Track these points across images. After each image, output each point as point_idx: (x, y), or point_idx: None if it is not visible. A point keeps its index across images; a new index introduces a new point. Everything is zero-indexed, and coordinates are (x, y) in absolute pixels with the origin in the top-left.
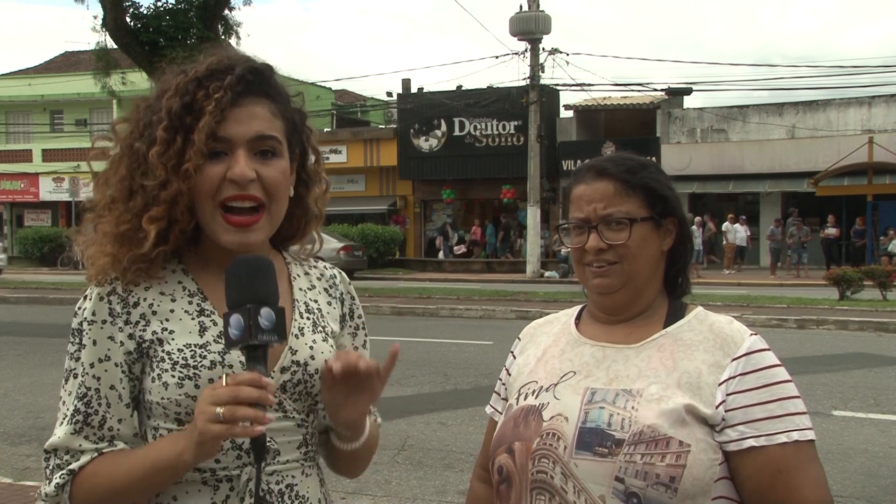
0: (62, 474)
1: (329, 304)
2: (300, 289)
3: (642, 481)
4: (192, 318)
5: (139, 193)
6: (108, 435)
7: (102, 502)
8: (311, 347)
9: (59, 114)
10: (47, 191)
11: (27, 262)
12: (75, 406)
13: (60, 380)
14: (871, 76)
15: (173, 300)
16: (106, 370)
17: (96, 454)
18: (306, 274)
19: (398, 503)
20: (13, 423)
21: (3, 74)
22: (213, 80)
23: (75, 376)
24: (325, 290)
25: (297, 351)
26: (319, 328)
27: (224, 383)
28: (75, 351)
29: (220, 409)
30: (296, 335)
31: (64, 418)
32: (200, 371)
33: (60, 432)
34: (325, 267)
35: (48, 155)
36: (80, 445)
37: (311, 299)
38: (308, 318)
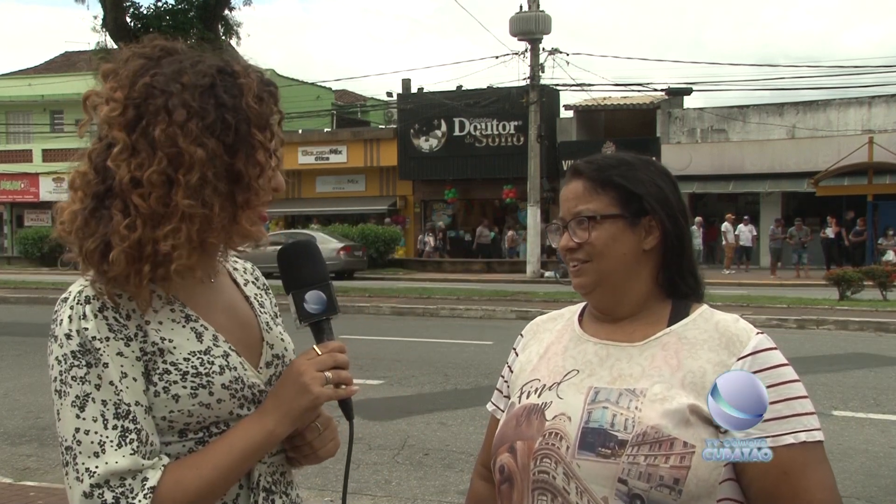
0: (145, 493)
1: (263, 294)
2: (244, 283)
3: (646, 483)
4: (183, 326)
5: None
6: (155, 451)
7: None
8: (282, 339)
9: (59, 114)
10: (47, 191)
11: (27, 262)
12: (122, 426)
13: None
14: (871, 76)
15: (155, 311)
16: (128, 386)
17: (163, 468)
18: (235, 270)
19: (398, 503)
20: (13, 423)
21: (3, 74)
22: (270, 93)
23: (94, 400)
24: (254, 282)
25: (273, 345)
26: (276, 320)
27: (318, 352)
28: (85, 374)
29: (328, 374)
30: (267, 330)
31: (107, 443)
32: (213, 378)
33: (117, 457)
34: (238, 260)
35: (48, 155)
36: (143, 465)
37: (255, 294)
38: (264, 312)
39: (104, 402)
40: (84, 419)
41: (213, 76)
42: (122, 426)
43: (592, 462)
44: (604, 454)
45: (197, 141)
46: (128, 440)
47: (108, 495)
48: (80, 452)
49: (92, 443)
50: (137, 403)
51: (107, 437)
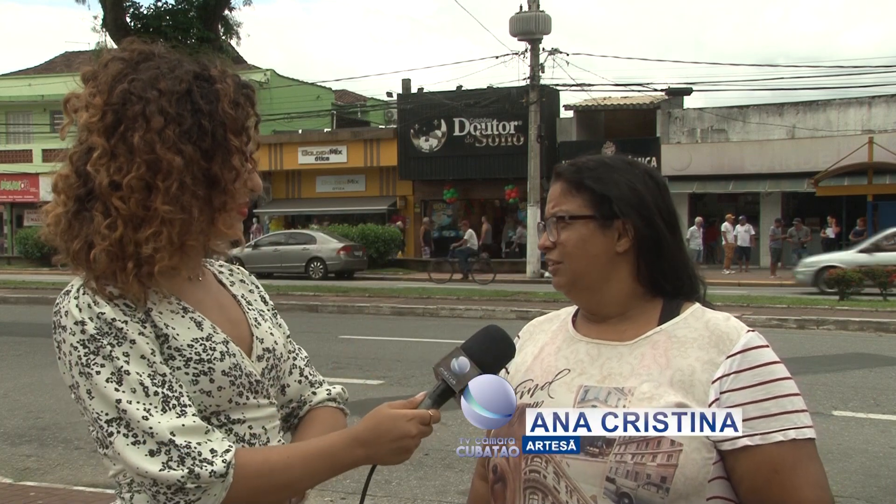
0: (225, 450)
1: (251, 292)
2: (231, 284)
3: (633, 481)
4: (182, 316)
5: (187, 201)
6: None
7: (267, 494)
8: (272, 334)
9: (59, 114)
10: (47, 191)
11: (27, 262)
12: (163, 393)
13: (60, 380)
14: (872, 76)
15: (154, 304)
16: (158, 360)
17: (233, 442)
18: (221, 273)
19: (398, 503)
20: (13, 423)
21: (3, 74)
22: (246, 96)
23: (129, 373)
24: (241, 281)
25: (262, 339)
26: (264, 316)
27: (432, 417)
28: (113, 352)
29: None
30: (255, 325)
31: (151, 409)
32: (214, 364)
33: (166, 419)
34: (223, 263)
35: (48, 155)
36: (201, 426)
37: (242, 294)
38: (252, 309)
39: (139, 374)
40: (124, 391)
41: (190, 82)
42: (164, 393)
43: (581, 461)
44: (592, 453)
45: (174, 147)
46: (170, 405)
47: (177, 451)
48: (130, 419)
49: (137, 410)
50: (171, 374)
51: (150, 403)
